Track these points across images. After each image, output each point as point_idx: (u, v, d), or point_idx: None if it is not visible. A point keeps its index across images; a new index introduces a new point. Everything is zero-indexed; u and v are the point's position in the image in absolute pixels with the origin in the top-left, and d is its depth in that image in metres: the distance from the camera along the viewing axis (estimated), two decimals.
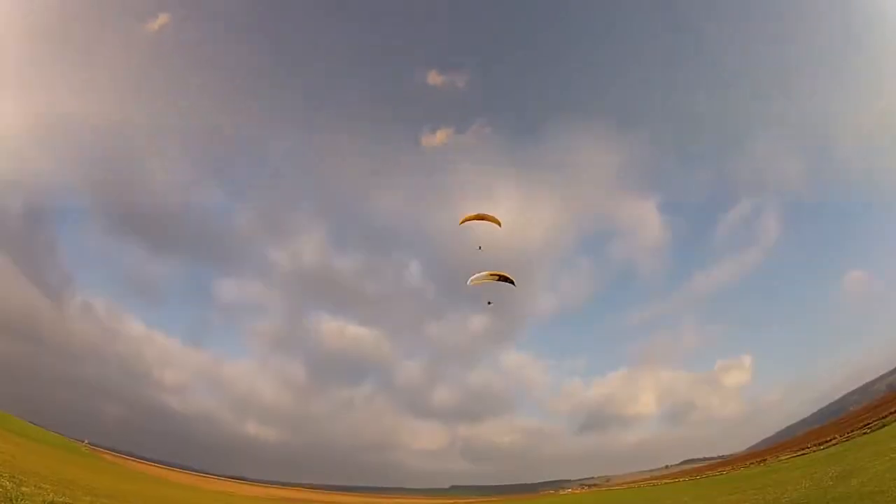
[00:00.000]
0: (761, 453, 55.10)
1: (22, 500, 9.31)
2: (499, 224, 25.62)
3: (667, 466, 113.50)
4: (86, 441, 59.06)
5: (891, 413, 34.24)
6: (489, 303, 26.69)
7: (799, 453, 35.92)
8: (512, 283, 25.42)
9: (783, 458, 37.14)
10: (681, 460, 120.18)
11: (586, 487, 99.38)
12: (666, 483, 52.54)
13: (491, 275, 25.55)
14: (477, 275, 25.48)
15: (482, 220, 25.42)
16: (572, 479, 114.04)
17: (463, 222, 25.58)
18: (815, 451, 32.79)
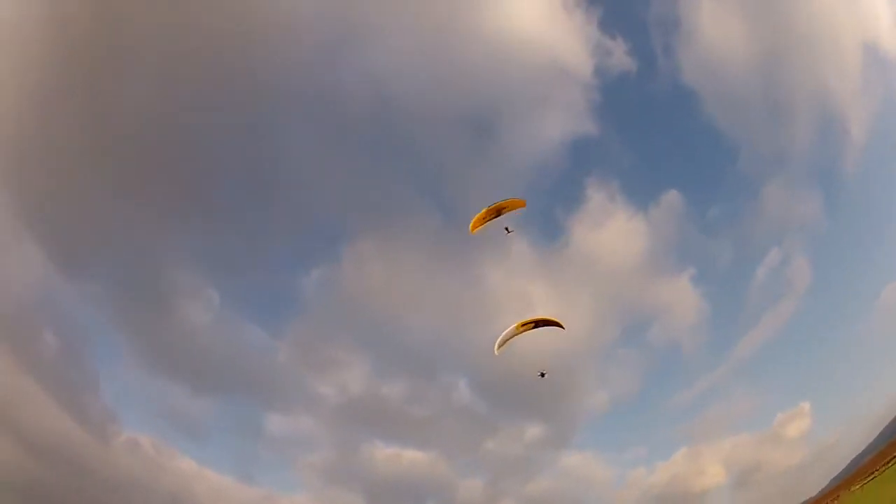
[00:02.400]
0: (835, 491, 52.82)
1: None
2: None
3: None
4: None
5: None
6: (542, 374, 22.97)
7: (868, 479, 35.47)
8: (559, 325, 22.09)
9: (855, 488, 36.49)
10: None
11: None
12: None
13: (523, 325, 22.02)
14: (504, 335, 22.17)
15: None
16: None
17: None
18: (882, 472, 32.63)
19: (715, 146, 69.00)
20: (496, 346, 22.45)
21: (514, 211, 22.44)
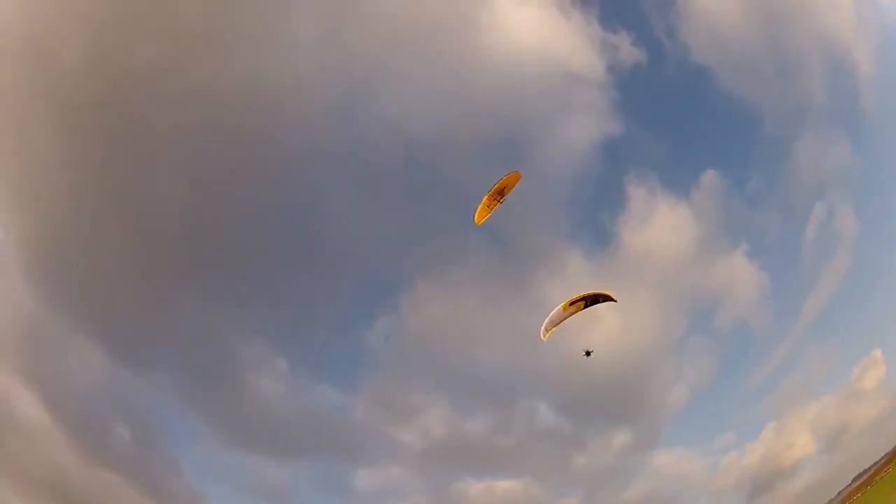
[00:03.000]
0: None
1: None
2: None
3: (839, 493, 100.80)
4: None
5: None
6: (588, 353, 21.88)
7: None
8: (611, 298, 20.53)
9: None
10: (851, 478, 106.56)
11: None
12: None
13: (571, 304, 20.39)
14: (550, 317, 20.55)
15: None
16: None
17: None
18: None
19: (738, 116, 68.93)
20: (543, 332, 20.83)
21: (514, 185, 21.41)
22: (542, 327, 20.79)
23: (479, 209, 21.10)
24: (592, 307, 20.68)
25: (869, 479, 59.62)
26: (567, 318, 20.58)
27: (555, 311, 20.51)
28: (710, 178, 66.63)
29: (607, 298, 20.26)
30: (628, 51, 62.26)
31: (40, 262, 46.40)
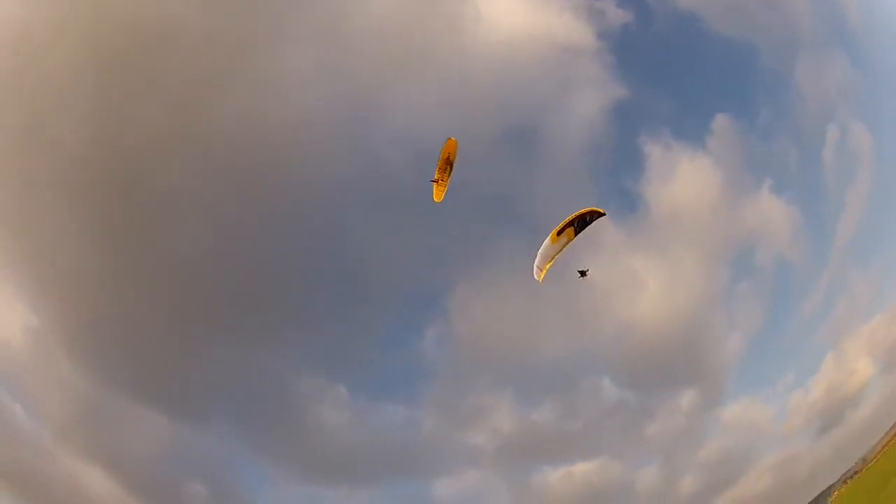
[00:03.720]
0: None
1: None
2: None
3: None
4: None
5: None
6: (583, 273, 19.14)
7: None
8: (601, 213, 18.22)
9: None
10: None
11: (848, 480, 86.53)
12: None
13: (559, 234, 17.96)
14: (540, 256, 18.30)
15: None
16: (832, 482, 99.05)
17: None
18: None
19: (734, 55, 69.07)
20: (536, 271, 18.67)
21: (456, 151, 20.08)
22: (535, 266, 18.54)
23: (434, 189, 20.22)
24: (581, 231, 18.34)
25: None
26: (561, 250, 18.46)
27: (544, 245, 18.37)
28: (720, 122, 66.19)
29: (596, 215, 18.12)
30: (615, 13, 61.20)
31: (81, 342, 46.61)
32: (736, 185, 68.72)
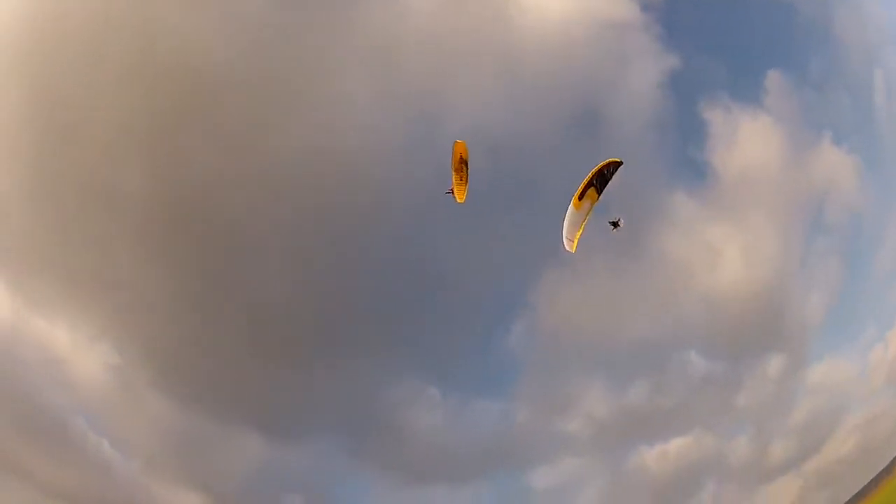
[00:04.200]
0: None
1: None
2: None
3: None
4: None
5: None
6: (615, 224, 17.93)
7: None
8: (619, 163, 16.66)
9: None
10: None
11: None
12: None
13: (580, 198, 16.82)
14: (567, 225, 17.13)
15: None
16: None
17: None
18: None
19: (775, 9, 65.44)
20: (567, 243, 17.46)
21: (467, 151, 19.53)
22: (564, 238, 17.41)
23: (455, 189, 19.84)
24: (607, 189, 16.91)
25: None
26: (587, 215, 17.27)
27: (568, 213, 17.15)
28: (772, 78, 62.93)
29: (613, 166, 16.64)
30: None
31: (165, 374, 49.76)
32: (797, 140, 63.52)
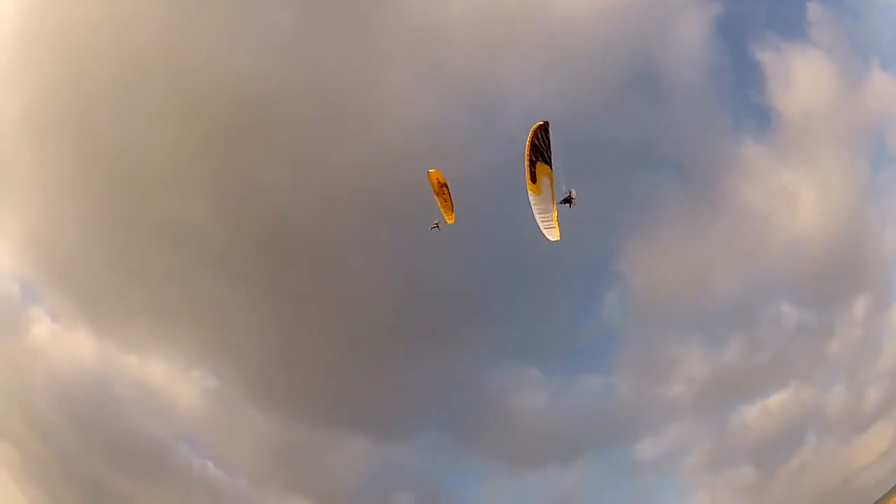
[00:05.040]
0: None
1: None
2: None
3: None
4: None
5: None
6: (567, 201, 15.93)
7: None
8: (543, 124, 14.72)
9: None
10: None
11: None
12: None
13: (533, 181, 15.16)
14: (539, 215, 15.68)
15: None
16: None
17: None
18: None
19: None
20: (550, 234, 15.73)
21: (443, 177, 18.64)
22: (542, 229, 15.93)
23: (443, 214, 19.57)
24: (550, 154, 15.05)
25: None
26: (552, 193, 15.45)
27: (532, 203, 15.59)
28: (814, 10, 58.89)
29: (541, 131, 14.92)
30: None
31: (264, 390, 51.44)
32: (848, 71, 59.07)
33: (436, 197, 19.54)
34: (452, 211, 19.93)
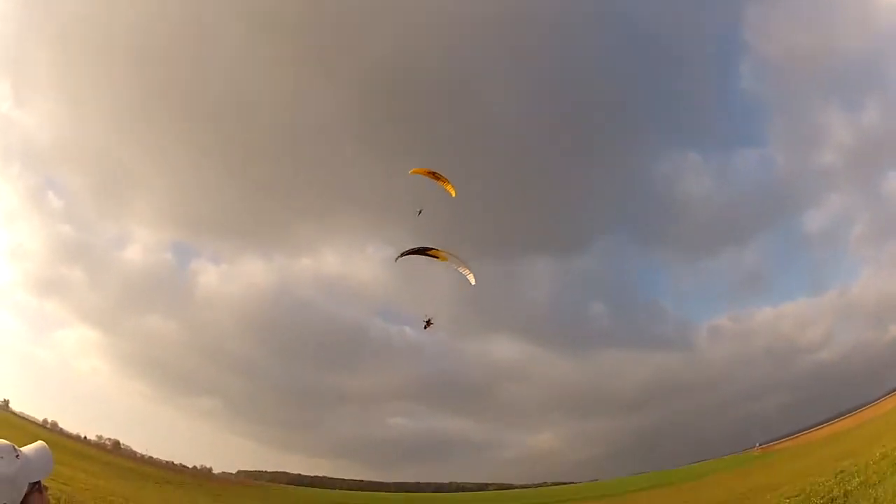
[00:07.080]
0: None
1: None
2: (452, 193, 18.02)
3: None
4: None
5: None
6: (427, 324, 18.83)
7: None
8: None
9: None
10: None
11: None
12: None
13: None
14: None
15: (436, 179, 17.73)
16: None
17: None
18: None
19: None
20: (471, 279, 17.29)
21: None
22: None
23: (446, 187, 19.50)
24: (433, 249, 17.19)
25: None
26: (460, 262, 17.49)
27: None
28: None
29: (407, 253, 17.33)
30: None
31: (442, 239, 49.34)
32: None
33: (434, 180, 19.72)
34: (450, 184, 20.04)
